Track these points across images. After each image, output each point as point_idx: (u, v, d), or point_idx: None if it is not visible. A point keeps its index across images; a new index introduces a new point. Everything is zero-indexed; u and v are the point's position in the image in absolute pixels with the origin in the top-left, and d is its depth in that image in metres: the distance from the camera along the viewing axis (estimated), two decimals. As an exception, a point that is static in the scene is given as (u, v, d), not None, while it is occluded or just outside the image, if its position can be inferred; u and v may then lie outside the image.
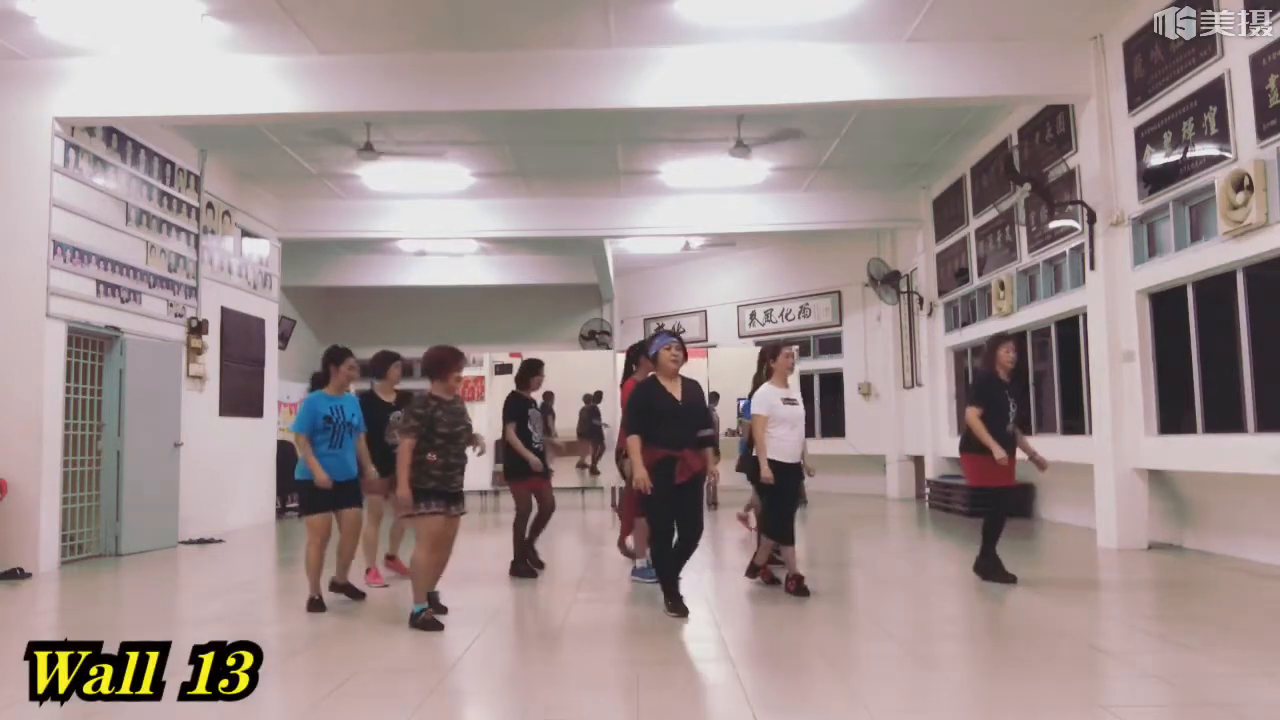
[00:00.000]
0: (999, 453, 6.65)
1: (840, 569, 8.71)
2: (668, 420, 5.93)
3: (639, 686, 4.35)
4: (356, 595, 6.62)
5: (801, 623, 5.94)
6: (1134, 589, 7.13)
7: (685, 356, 6.11)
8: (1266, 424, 7.19)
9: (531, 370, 7.95)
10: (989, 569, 6.91)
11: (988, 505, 7.11)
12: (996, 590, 6.64)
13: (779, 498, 6.57)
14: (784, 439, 6.51)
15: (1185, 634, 5.34)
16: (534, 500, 7.80)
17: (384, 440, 6.95)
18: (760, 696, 4.15)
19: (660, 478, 5.86)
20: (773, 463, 6.44)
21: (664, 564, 6.05)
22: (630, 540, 7.67)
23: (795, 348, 6.79)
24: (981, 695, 4.28)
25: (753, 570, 6.99)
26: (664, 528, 6.00)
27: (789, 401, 6.60)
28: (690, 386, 6.12)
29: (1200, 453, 7.91)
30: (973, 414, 6.86)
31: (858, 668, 4.82)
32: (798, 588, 6.51)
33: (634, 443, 5.92)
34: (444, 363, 5.68)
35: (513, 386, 8.10)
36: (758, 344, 17.03)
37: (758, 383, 6.89)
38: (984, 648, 5.32)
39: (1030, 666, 4.63)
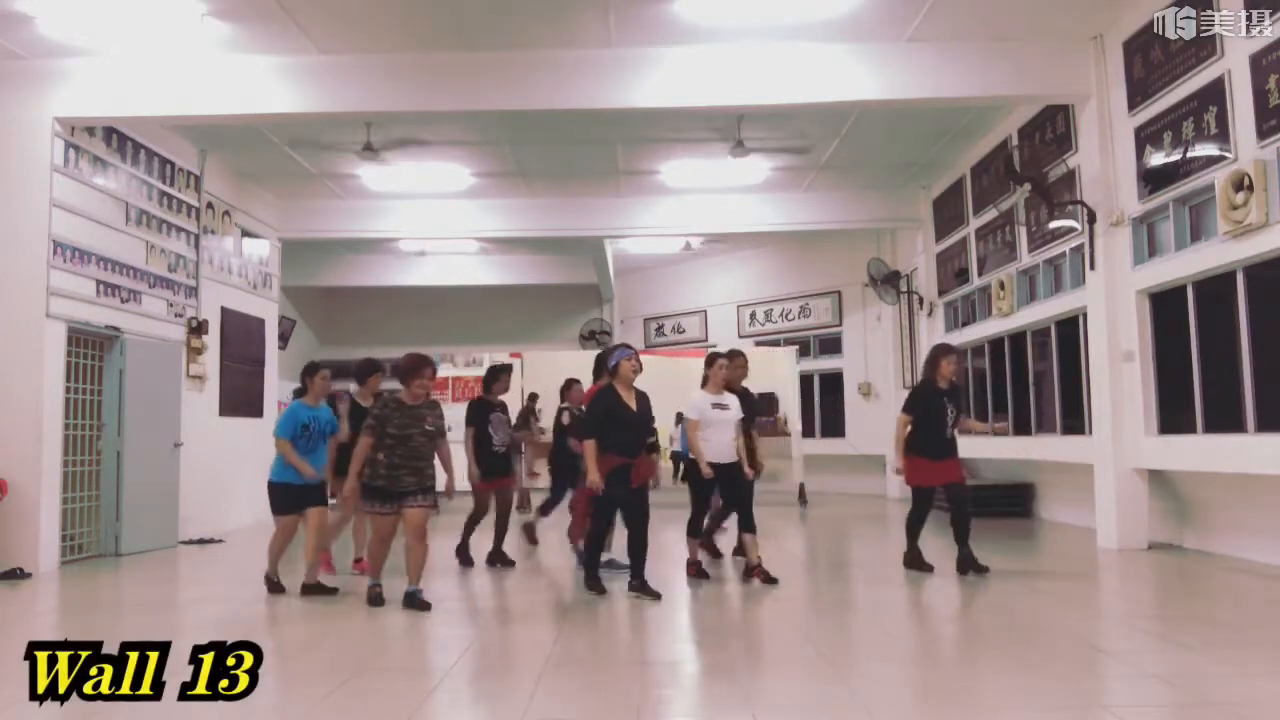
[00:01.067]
0: (897, 464, 7.36)
1: (840, 568, 8.73)
2: (625, 428, 6.42)
3: (638, 686, 4.35)
4: (329, 591, 6.74)
5: (801, 622, 5.94)
6: (1134, 589, 7.14)
7: (641, 368, 6.61)
8: (1266, 424, 7.18)
9: (493, 376, 8.27)
10: (913, 558, 7.44)
11: (915, 501, 7.49)
12: (996, 589, 6.65)
13: (708, 492, 7.16)
14: (711, 440, 6.96)
15: (1185, 634, 5.34)
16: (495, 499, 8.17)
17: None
18: (760, 696, 4.15)
19: (617, 483, 6.34)
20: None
21: (595, 551, 6.70)
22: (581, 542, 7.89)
23: (724, 361, 7.26)
24: (981, 695, 4.28)
25: (747, 574, 7.05)
26: (606, 523, 6.74)
27: (718, 406, 7.05)
28: (641, 397, 6.59)
29: (1200, 453, 7.90)
30: (900, 421, 7.42)
31: (857, 667, 4.82)
32: (699, 572, 7.18)
33: (590, 447, 6.34)
34: (407, 370, 6.19)
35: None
36: (760, 343, 17.20)
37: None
38: (984, 647, 5.32)
39: (1030, 666, 4.64)
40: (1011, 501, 11.81)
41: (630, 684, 4.41)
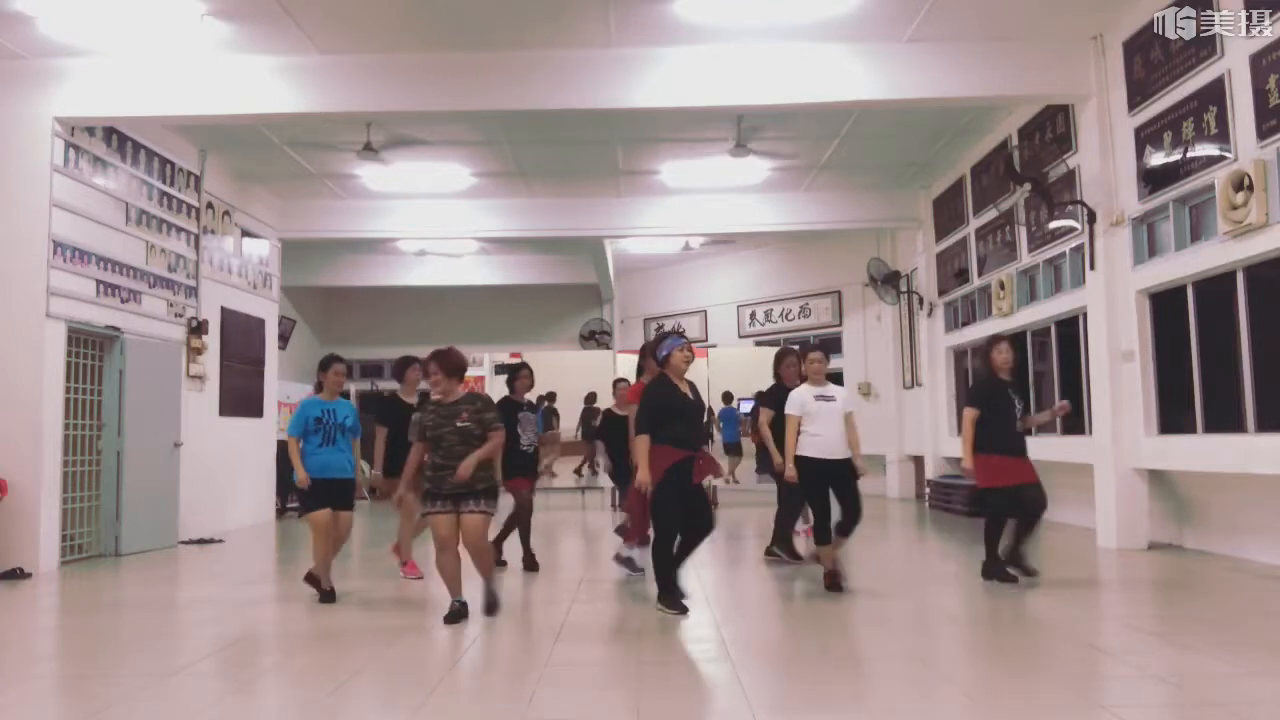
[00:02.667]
0: (967, 463, 6.86)
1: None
2: (681, 417, 5.98)
3: (639, 686, 4.35)
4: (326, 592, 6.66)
5: (802, 622, 5.94)
6: (1134, 589, 7.13)
7: (694, 356, 6.24)
8: (1266, 424, 7.18)
9: (514, 374, 8.18)
10: (991, 568, 6.90)
11: (991, 506, 7.02)
12: (997, 590, 6.64)
13: (812, 495, 6.71)
14: (822, 434, 6.63)
15: (1185, 634, 5.34)
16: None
17: (405, 441, 7.06)
18: (760, 696, 4.15)
19: (678, 479, 5.88)
20: (811, 460, 6.57)
21: (665, 563, 6.01)
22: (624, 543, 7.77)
23: (817, 354, 6.98)
24: (982, 695, 4.28)
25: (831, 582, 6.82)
26: (672, 529, 6.00)
27: (822, 398, 6.70)
28: (693, 387, 6.22)
29: (1200, 453, 7.90)
30: (968, 415, 6.92)
31: (858, 667, 4.82)
32: (831, 584, 6.65)
33: (643, 442, 5.88)
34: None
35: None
36: (760, 343, 17.19)
37: (781, 385, 7.23)
38: (984, 648, 5.32)
39: (1031, 666, 4.64)
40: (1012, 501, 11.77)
41: (630, 684, 4.41)
